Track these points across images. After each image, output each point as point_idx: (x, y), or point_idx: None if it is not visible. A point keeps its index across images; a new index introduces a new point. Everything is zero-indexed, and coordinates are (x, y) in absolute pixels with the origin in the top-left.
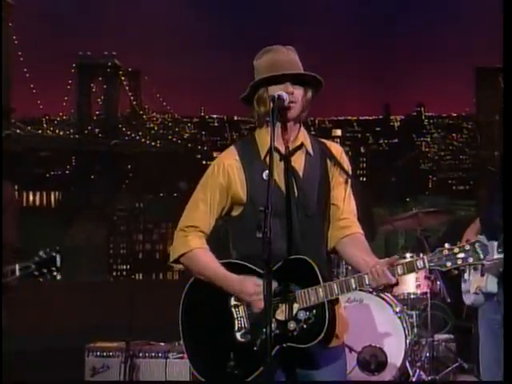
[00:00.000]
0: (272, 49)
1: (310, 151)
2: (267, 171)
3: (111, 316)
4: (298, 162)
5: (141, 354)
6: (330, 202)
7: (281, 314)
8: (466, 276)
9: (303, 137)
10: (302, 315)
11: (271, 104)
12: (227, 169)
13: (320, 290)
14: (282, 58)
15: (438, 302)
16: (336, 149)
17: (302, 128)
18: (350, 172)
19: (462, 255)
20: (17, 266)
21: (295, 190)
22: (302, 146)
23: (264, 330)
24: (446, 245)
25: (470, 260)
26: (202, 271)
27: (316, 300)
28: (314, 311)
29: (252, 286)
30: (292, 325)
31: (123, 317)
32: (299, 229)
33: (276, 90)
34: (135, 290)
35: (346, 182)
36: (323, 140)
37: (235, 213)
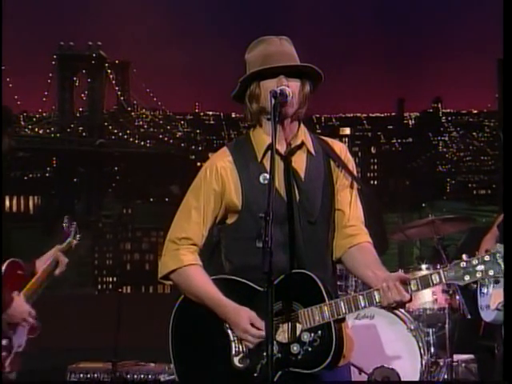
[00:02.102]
0: (263, 40)
1: (312, 151)
2: (265, 174)
3: (96, 333)
4: (299, 162)
5: (128, 376)
6: (334, 207)
7: (282, 336)
8: (484, 289)
9: (303, 135)
10: (306, 337)
11: (272, 100)
12: (220, 172)
13: (325, 308)
14: (275, 50)
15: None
16: (340, 147)
17: (302, 125)
18: (356, 173)
19: (481, 267)
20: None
21: (296, 194)
22: (302, 145)
23: (264, 353)
24: (464, 256)
25: (491, 273)
26: (193, 291)
27: (321, 320)
28: (320, 332)
29: (246, 322)
30: (295, 348)
31: (109, 334)
32: (302, 237)
33: (269, 85)
34: (123, 304)
35: (352, 185)
36: (325, 138)
37: (230, 221)
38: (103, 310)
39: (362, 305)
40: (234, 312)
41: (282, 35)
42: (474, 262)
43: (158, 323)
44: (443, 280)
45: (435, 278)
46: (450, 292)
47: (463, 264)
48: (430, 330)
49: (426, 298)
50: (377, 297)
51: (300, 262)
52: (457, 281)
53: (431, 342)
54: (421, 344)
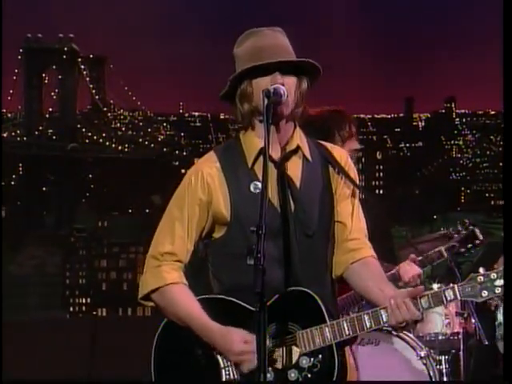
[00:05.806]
0: (254, 32)
1: (308, 156)
2: (256, 182)
3: (68, 362)
4: (294, 169)
5: None
6: (334, 219)
7: (279, 361)
8: (499, 317)
9: (299, 139)
10: (304, 362)
11: (265, 100)
12: (207, 180)
13: (326, 329)
14: (268, 43)
15: None
16: (340, 153)
17: (298, 128)
18: (358, 182)
19: (500, 282)
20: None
21: (291, 204)
22: (297, 149)
23: (258, 381)
24: (481, 270)
25: None
26: (177, 313)
27: (321, 343)
28: (320, 357)
29: (238, 344)
30: (293, 374)
31: (82, 363)
32: (298, 252)
33: (262, 83)
34: (98, 329)
35: (354, 195)
36: (323, 143)
37: (217, 234)
38: (75, 335)
39: (368, 325)
40: (223, 336)
41: (261, 27)
42: (493, 275)
43: (137, 350)
44: (458, 296)
45: (449, 294)
46: (465, 315)
47: (480, 278)
48: (443, 358)
49: (438, 322)
50: (384, 316)
51: (296, 279)
52: (473, 297)
53: (444, 371)
54: (432, 373)
